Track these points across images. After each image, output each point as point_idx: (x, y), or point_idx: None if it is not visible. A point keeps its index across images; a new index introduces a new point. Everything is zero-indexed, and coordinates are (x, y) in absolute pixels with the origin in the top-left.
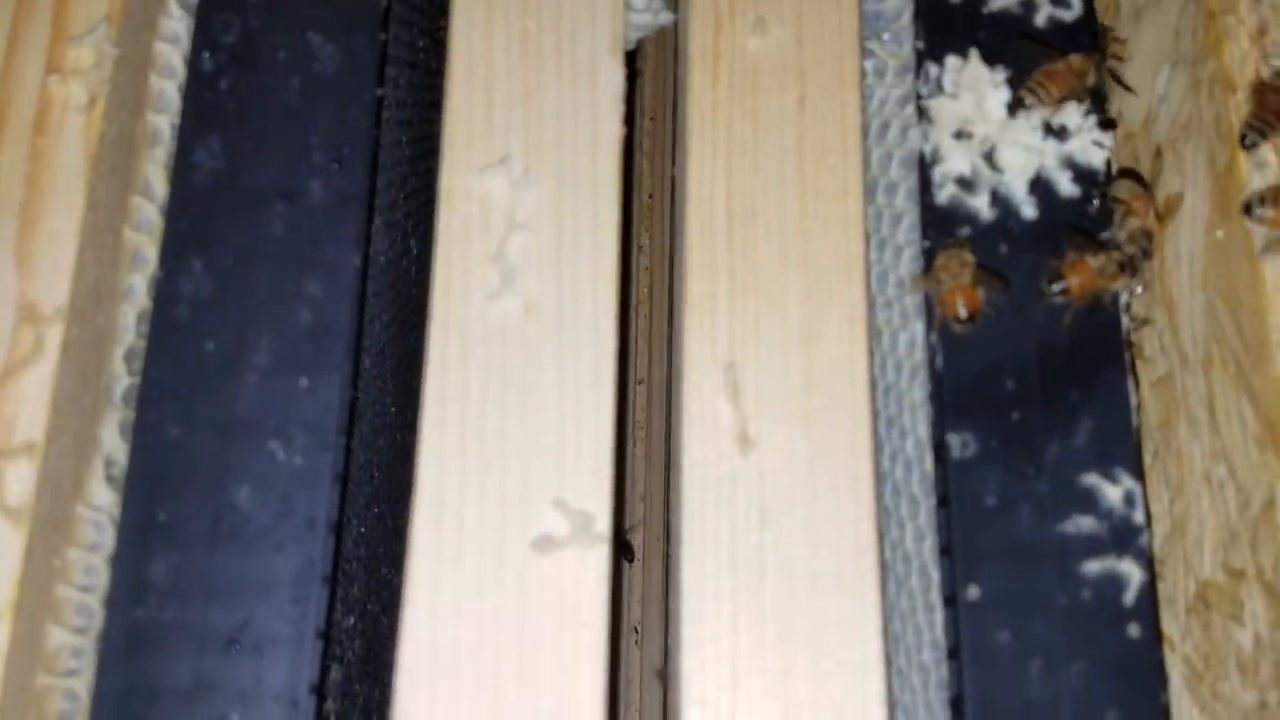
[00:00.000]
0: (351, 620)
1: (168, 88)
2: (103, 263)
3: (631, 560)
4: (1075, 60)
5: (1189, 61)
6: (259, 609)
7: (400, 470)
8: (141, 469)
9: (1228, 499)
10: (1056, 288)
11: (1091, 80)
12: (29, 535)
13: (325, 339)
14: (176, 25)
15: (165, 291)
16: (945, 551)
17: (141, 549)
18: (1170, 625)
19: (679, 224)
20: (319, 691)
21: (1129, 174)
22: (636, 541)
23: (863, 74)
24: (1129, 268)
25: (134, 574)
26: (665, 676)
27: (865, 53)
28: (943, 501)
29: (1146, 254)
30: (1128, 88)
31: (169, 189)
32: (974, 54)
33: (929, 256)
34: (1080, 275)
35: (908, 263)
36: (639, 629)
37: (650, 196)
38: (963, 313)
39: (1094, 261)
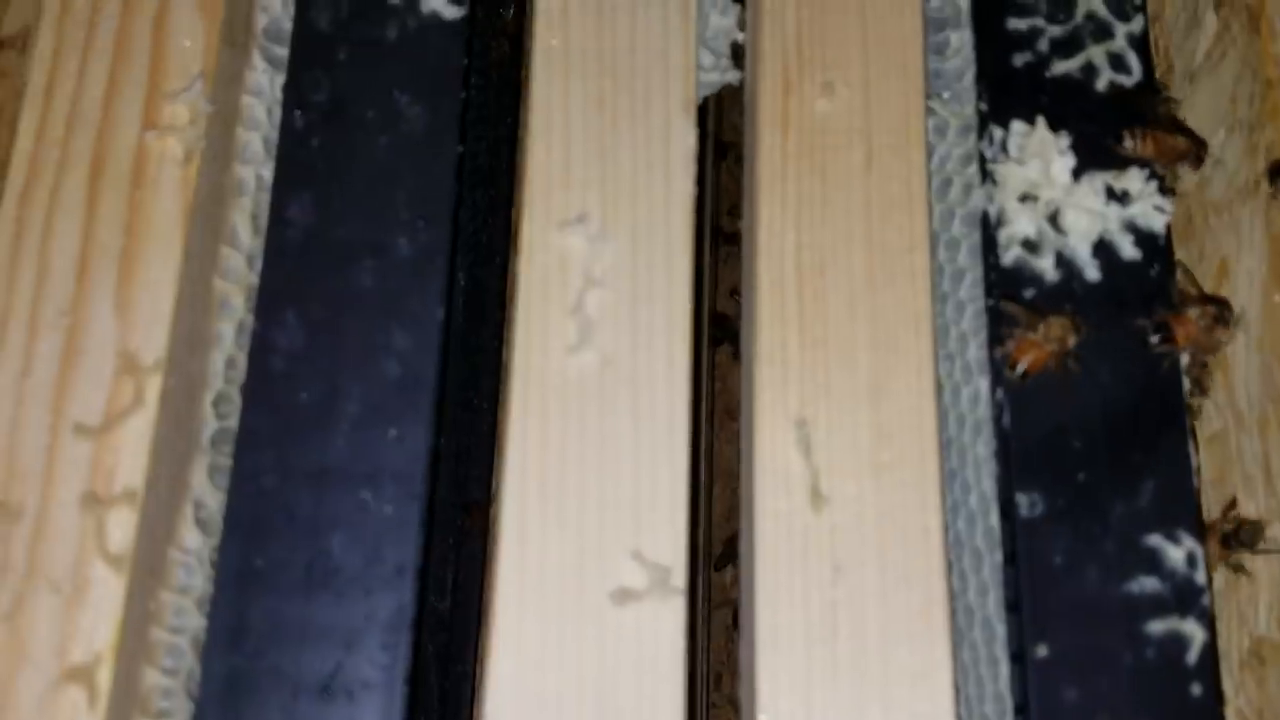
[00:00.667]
0: (431, 648)
1: (253, 139)
2: (196, 311)
3: None
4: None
5: (1246, 127)
6: (350, 655)
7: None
8: (238, 516)
9: None
10: (1157, 338)
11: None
12: (129, 581)
13: (411, 389)
14: (261, 78)
15: (260, 342)
16: (1013, 608)
17: (238, 595)
18: (1224, 679)
19: (749, 278)
20: None
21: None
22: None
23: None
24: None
25: (231, 619)
26: None
27: (928, 111)
28: (1010, 559)
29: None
30: (1196, 137)
31: (264, 243)
32: (1040, 121)
33: (992, 315)
34: (1184, 327)
35: (970, 319)
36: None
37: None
38: (1020, 369)
39: (1194, 314)
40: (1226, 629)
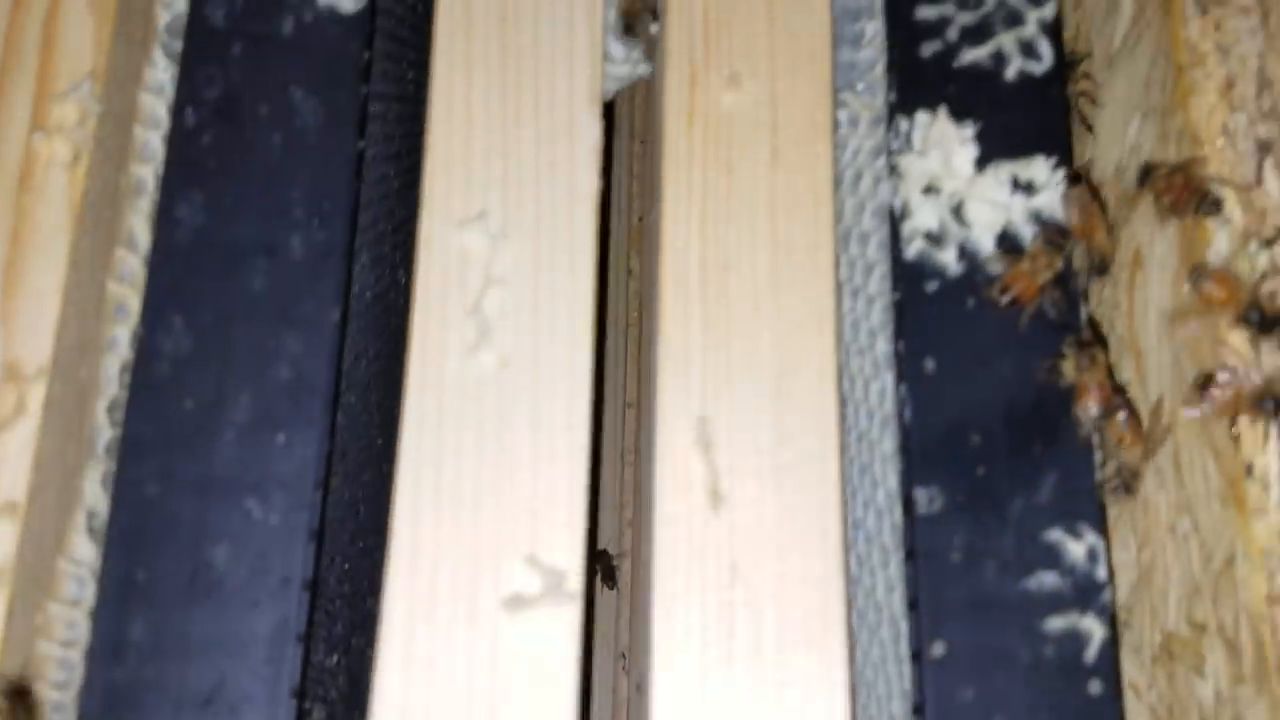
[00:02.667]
0: (335, 658)
1: (152, 138)
2: (86, 317)
3: (613, 587)
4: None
5: (1159, 113)
6: (234, 668)
7: (385, 502)
8: (121, 526)
9: (1191, 553)
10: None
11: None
12: (10, 595)
13: (303, 395)
14: (162, 75)
15: (146, 348)
16: (912, 606)
17: (120, 607)
18: (1137, 673)
19: (651, 275)
20: None
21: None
22: (625, 566)
23: (837, 125)
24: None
25: (114, 632)
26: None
27: (840, 103)
28: (909, 555)
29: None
30: (1089, 128)
31: (151, 243)
32: (942, 110)
33: (900, 309)
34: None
35: (878, 313)
36: (626, 655)
37: (640, 219)
38: (1005, 299)
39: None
40: (1139, 622)
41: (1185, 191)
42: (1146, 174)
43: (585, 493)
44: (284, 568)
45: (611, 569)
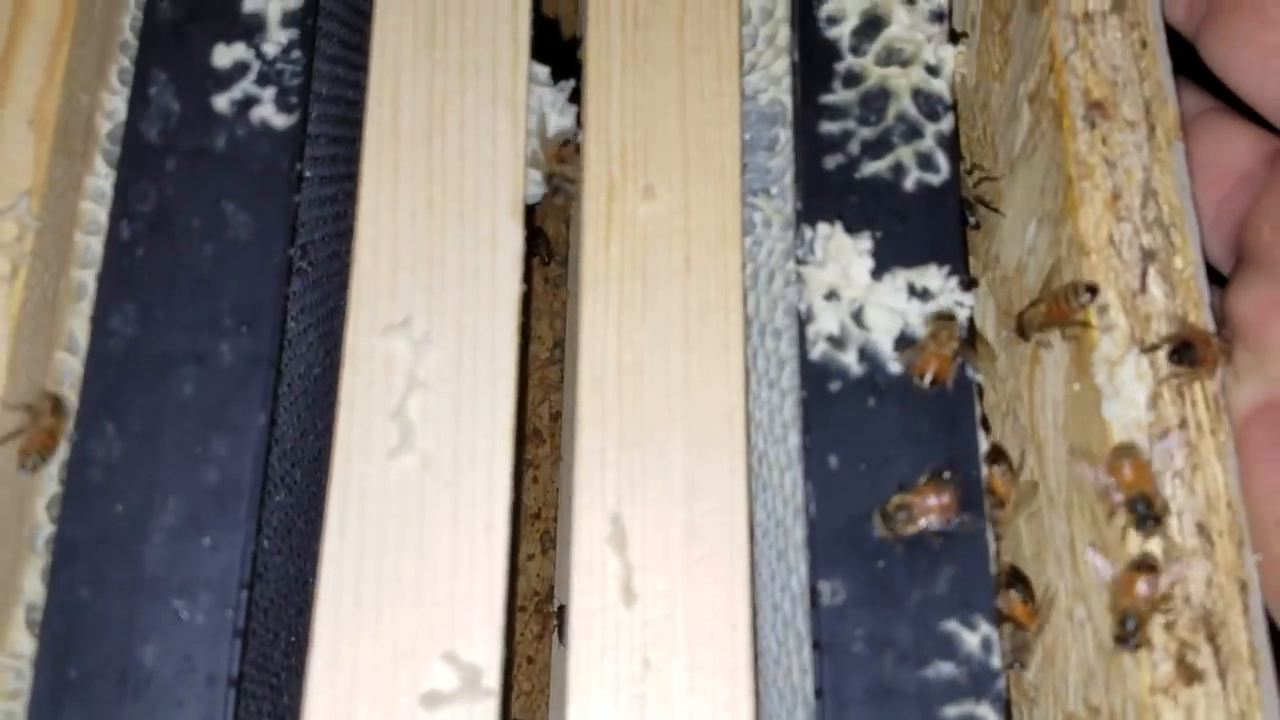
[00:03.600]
0: None
1: (94, 243)
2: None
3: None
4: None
5: (1052, 219)
6: None
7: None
8: (54, 627)
9: (1086, 639)
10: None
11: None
12: None
13: (229, 498)
14: (103, 183)
15: (79, 454)
16: (818, 694)
17: (55, 704)
18: None
19: (571, 378)
20: None
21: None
22: None
23: (753, 226)
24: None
25: None
26: None
27: (755, 206)
28: (815, 645)
29: (1021, 663)
30: (975, 226)
31: (87, 352)
32: (838, 224)
33: (806, 407)
34: (933, 361)
35: (790, 407)
36: None
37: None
38: (927, 380)
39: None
40: (1045, 700)
41: (1054, 312)
42: (1021, 328)
43: (504, 591)
44: (209, 665)
45: (563, 624)
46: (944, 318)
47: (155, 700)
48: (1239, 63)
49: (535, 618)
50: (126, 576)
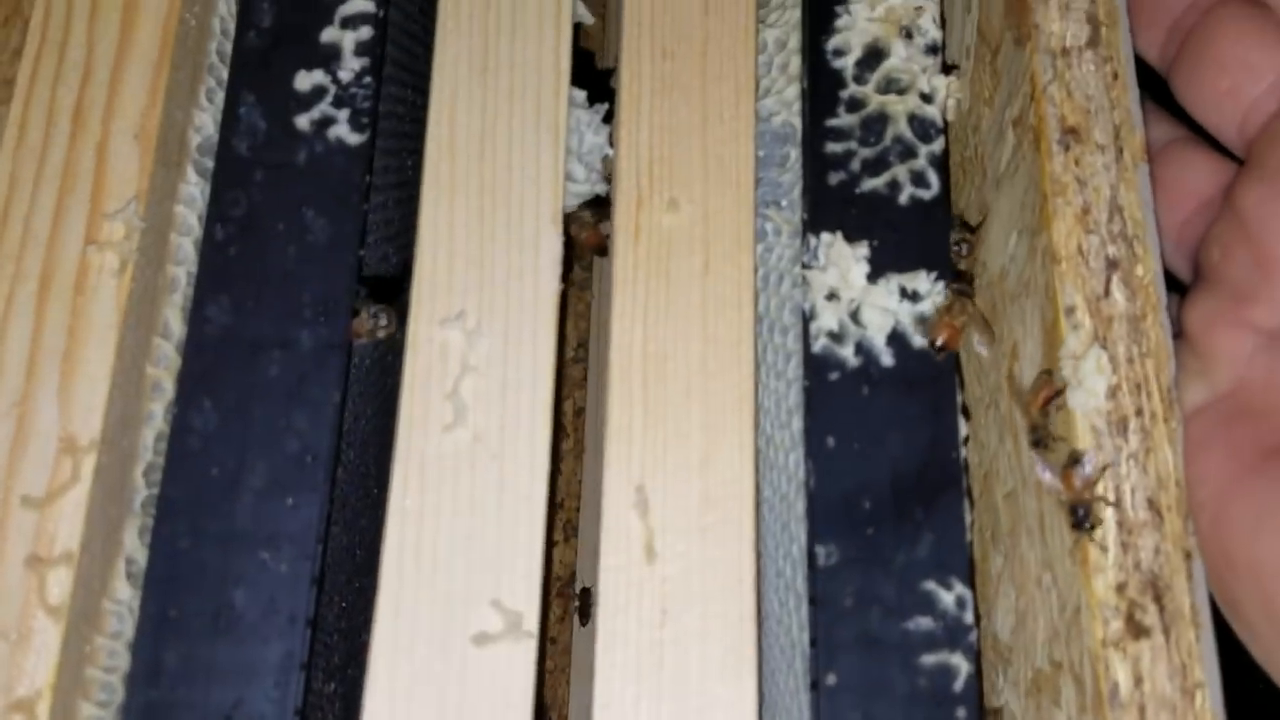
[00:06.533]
0: (332, 686)
1: (185, 243)
2: (129, 396)
3: (585, 624)
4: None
5: (1030, 231)
6: (249, 692)
7: (378, 546)
8: (157, 573)
9: (1052, 603)
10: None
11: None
12: (66, 628)
13: (308, 464)
14: (193, 190)
15: (180, 424)
16: (813, 644)
17: (155, 640)
18: (1016, 704)
19: (602, 364)
20: None
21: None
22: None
23: (765, 234)
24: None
25: (150, 660)
26: None
27: (766, 216)
28: (811, 601)
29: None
30: (969, 296)
31: (185, 337)
32: (839, 234)
33: (808, 394)
34: (945, 330)
35: (794, 395)
36: None
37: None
38: (939, 342)
39: (945, 317)
40: (1018, 660)
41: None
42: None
43: (542, 548)
44: (290, 608)
45: (588, 607)
46: (959, 293)
47: (244, 637)
48: (1201, 101)
49: (558, 601)
50: (220, 530)
